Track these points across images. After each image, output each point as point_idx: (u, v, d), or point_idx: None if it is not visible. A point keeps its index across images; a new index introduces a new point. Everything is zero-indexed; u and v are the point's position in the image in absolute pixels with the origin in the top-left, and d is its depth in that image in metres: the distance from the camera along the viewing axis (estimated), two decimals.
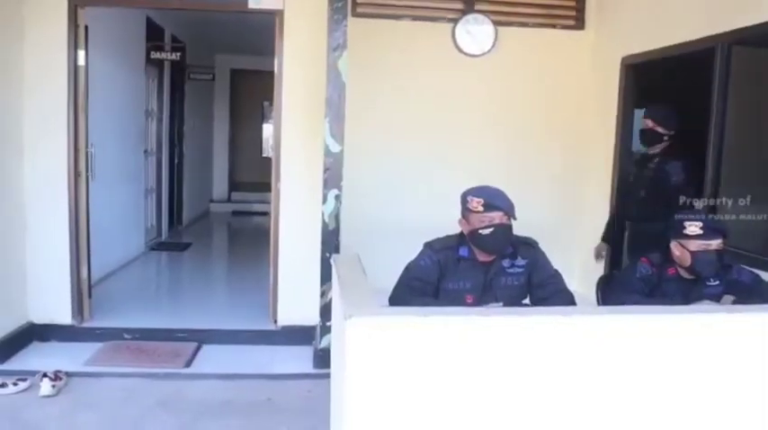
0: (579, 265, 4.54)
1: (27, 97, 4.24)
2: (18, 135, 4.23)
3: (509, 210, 2.60)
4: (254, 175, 11.82)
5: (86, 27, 4.40)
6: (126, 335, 4.46)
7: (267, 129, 13.18)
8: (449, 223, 4.35)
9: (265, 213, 10.43)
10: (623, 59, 4.32)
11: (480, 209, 2.59)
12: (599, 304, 3.17)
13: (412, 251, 4.17)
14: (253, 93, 11.97)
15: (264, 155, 13.01)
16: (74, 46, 4.32)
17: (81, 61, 4.37)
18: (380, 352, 1.88)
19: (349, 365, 1.88)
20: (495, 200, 2.60)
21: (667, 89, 4.27)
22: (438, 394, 1.92)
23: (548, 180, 4.66)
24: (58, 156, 4.34)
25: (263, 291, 4.94)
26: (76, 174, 4.42)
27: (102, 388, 3.78)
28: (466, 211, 2.65)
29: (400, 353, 1.89)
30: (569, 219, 4.75)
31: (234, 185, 12.11)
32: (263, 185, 10.88)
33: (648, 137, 3.74)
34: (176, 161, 8.85)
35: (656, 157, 3.75)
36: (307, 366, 4.13)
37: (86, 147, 4.48)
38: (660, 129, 3.69)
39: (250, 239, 9.29)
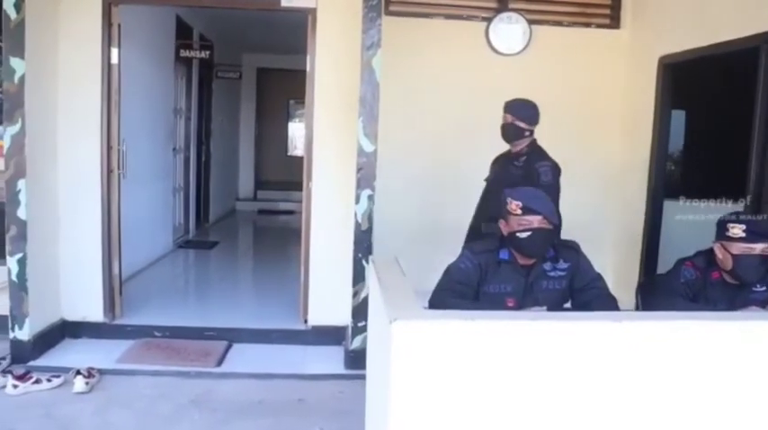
0: (613, 267, 4.47)
1: (61, 95, 4.27)
2: (52, 132, 4.26)
3: (548, 215, 2.55)
4: (280, 174, 11.88)
5: (119, 25, 4.41)
6: (156, 333, 4.47)
7: (292, 128, 13.21)
8: None
9: (291, 212, 10.61)
10: (661, 59, 4.23)
11: (518, 212, 2.55)
12: (639, 309, 3.11)
13: (445, 252, 4.14)
14: (278, 91, 12.00)
15: (289, 153, 13.04)
16: (107, 44, 4.33)
17: (114, 59, 4.39)
18: (426, 355, 1.86)
19: (394, 369, 1.85)
20: (533, 203, 2.56)
21: (707, 89, 4.17)
22: (484, 398, 1.89)
23: (582, 181, 4.54)
24: (91, 154, 4.36)
25: (292, 290, 4.93)
26: (109, 172, 4.44)
27: (135, 385, 3.79)
28: (505, 213, 2.61)
29: (446, 357, 1.86)
30: (603, 221, 4.69)
31: (259, 184, 12.14)
32: (288, 184, 10.99)
33: (510, 132, 3.54)
34: (204, 159, 8.89)
35: (523, 156, 3.53)
36: (338, 367, 4.11)
37: (119, 144, 4.50)
38: (520, 124, 3.51)
39: (276, 238, 9.31)
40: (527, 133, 3.52)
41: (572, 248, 2.70)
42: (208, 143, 9.01)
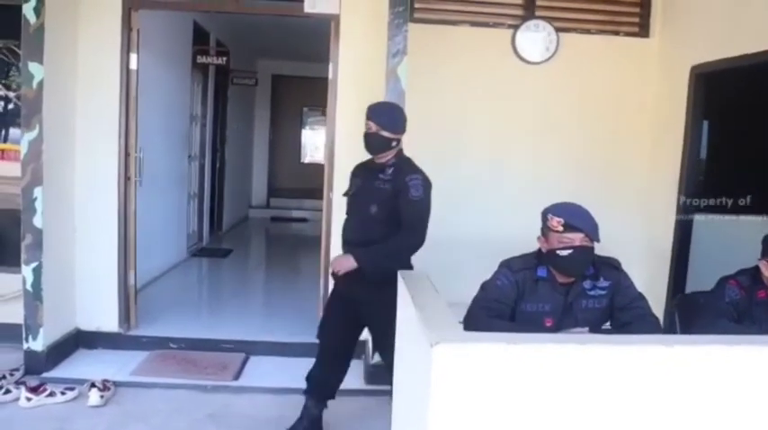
0: (640, 283, 4.31)
1: (79, 100, 4.22)
2: (70, 139, 4.20)
3: (591, 232, 2.43)
4: (293, 181, 11.82)
5: (138, 30, 4.34)
6: (172, 345, 4.40)
7: (306, 135, 13.14)
8: (506, 236, 4.21)
9: (304, 220, 10.56)
10: (693, 68, 4.10)
11: (560, 229, 2.42)
12: (676, 327, 2.99)
13: (469, 264, 4.05)
14: (293, 98, 11.94)
15: (303, 161, 12.97)
16: (126, 49, 4.28)
17: (133, 65, 4.33)
18: (468, 380, 1.75)
19: (434, 394, 1.75)
20: (576, 220, 2.43)
21: (742, 100, 4.04)
22: (529, 425, 1.78)
23: (611, 193, 4.44)
24: (108, 161, 4.31)
25: (309, 300, 4.85)
26: (126, 179, 4.37)
27: (151, 399, 3.71)
28: (545, 229, 2.49)
29: (489, 382, 1.76)
30: (631, 235, 4.54)
31: (272, 191, 12.07)
32: (301, 191, 10.94)
33: (374, 143, 3.06)
34: (218, 166, 8.82)
35: (391, 167, 3.07)
36: (357, 382, 4.00)
37: (136, 151, 4.43)
38: (385, 134, 3.04)
39: (290, 246, 9.25)
40: (393, 143, 3.08)
41: (612, 266, 2.58)
42: (222, 150, 8.95)
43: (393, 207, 3.01)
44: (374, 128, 3.05)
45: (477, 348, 1.77)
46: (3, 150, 4.46)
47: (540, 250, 2.56)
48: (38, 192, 3.85)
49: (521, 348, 1.78)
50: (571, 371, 1.80)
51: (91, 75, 4.21)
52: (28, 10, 3.72)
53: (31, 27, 3.73)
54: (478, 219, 4.42)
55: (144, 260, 4.88)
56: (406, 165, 3.10)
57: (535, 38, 4.42)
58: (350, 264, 3.05)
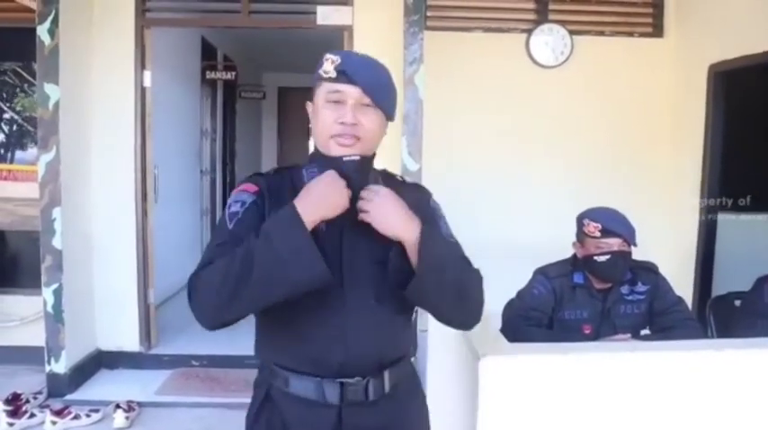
0: None
1: (95, 119, 4.19)
2: (86, 159, 4.18)
3: (629, 237, 2.39)
4: None
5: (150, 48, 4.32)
6: (194, 362, 4.36)
7: (312, 147, 13.10)
8: (525, 242, 4.18)
9: None
10: (712, 67, 4.06)
11: (597, 234, 2.38)
12: (712, 329, 2.93)
13: (486, 273, 4.00)
14: (299, 110, 11.87)
15: None
16: (140, 67, 4.27)
17: (147, 82, 4.31)
18: (517, 392, 1.73)
19: (482, 408, 1.73)
20: (614, 225, 2.39)
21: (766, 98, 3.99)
22: None
23: (631, 195, 4.36)
24: (124, 179, 4.28)
25: None
26: (144, 197, 4.34)
27: (177, 419, 3.66)
28: (581, 235, 2.45)
29: (538, 393, 1.74)
30: (653, 238, 4.47)
31: None
32: None
33: (372, 132, 1.51)
34: (228, 180, 8.78)
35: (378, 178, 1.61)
36: None
37: (152, 168, 4.40)
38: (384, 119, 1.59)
39: None
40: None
41: (650, 270, 2.54)
42: (233, 164, 8.92)
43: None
44: (374, 102, 1.46)
45: (524, 360, 1.74)
46: (10, 171, 4.43)
47: (575, 256, 2.52)
48: (56, 212, 3.82)
49: (569, 358, 1.75)
50: (622, 378, 1.77)
51: (105, 93, 4.20)
52: (42, 31, 3.70)
53: (46, 48, 3.72)
54: (497, 227, 4.38)
55: (161, 277, 4.84)
56: (394, 177, 1.66)
57: (549, 41, 4.39)
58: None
